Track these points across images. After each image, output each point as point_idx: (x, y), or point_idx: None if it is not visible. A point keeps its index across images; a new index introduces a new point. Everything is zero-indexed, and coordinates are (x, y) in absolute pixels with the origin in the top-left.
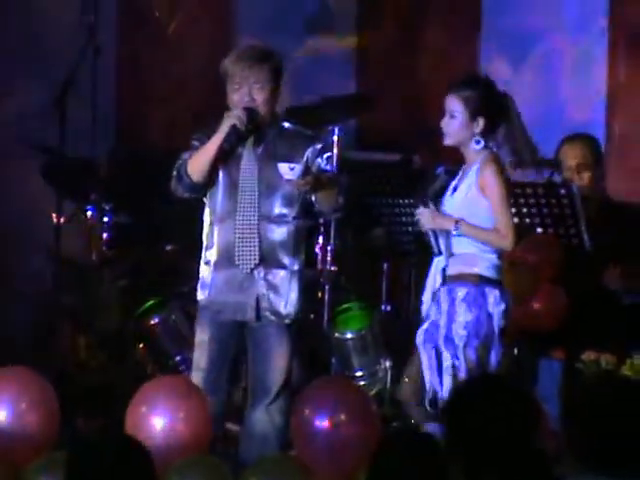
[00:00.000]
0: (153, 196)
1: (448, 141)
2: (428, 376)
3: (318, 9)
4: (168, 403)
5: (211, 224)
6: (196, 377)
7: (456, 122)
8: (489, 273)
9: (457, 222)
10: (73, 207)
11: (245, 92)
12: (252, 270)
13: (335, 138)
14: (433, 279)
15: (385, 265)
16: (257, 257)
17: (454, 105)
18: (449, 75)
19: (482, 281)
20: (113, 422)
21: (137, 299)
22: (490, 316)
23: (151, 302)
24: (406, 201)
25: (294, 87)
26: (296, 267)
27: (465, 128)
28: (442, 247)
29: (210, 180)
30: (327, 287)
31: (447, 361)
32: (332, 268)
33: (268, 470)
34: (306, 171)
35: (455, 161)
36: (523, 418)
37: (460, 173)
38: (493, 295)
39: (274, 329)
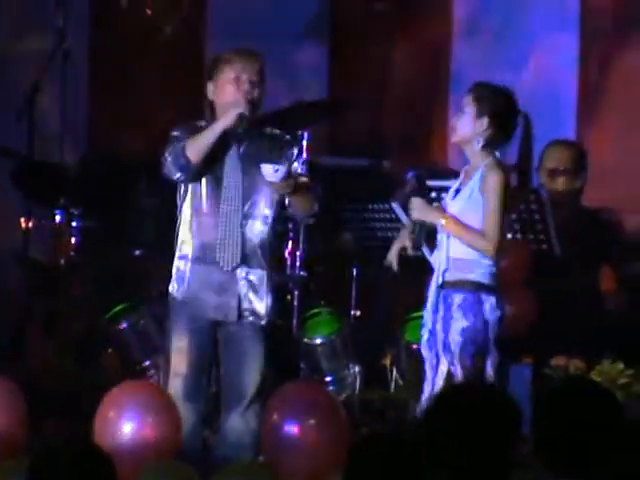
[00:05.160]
0: (122, 201)
1: (454, 137)
2: (429, 382)
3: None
4: (136, 408)
5: (191, 219)
6: (175, 383)
7: (463, 118)
8: (486, 280)
9: (446, 218)
10: (41, 211)
11: (244, 84)
12: (234, 269)
13: (304, 143)
14: (435, 282)
15: (354, 270)
16: (239, 256)
17: (465, 102)
18: (418, 81)
19: (479, 288)
20: (81, 427)
21: (106, 304)
22: (486, 323)
23: (120, 307)
24: (376, 206)
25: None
26: (270, 269)
27: (470, 125)
28: (423, 241)
29: (200, 169)
30: (296, 292)
31: (444, 366)
32: (301, 273)
33: (237, 476)
34: (290, 172)
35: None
36: (506, 425)
37: (462, 175)
38: (489, 302)
39: (250, 330)
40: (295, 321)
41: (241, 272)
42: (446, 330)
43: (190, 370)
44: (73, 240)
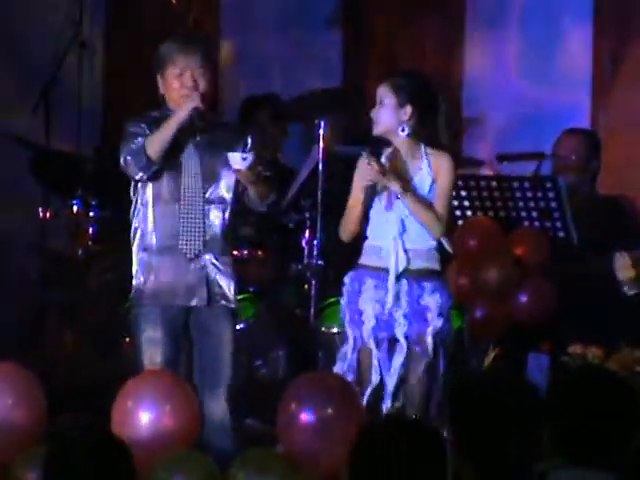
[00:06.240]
0: None
1: (377, 130)
2: (377, 370)
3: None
4: (154, 397)
5: (153, 209)
6: None
7: (384, 109)
8: (440, 269)
9: (407, 187)
10: (59, 202)
11: (189, 77)
12: (197, 255)
13: (321, 132)
14: (394, 272)
15: None
16: (201, 242)
17: (383, 93)
18: (436, 68)
19: (440, 276)
20: (100, 417)
21: (124, 293)
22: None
23: None
24: None
25: (284, 80)
26: (230, 254)
27: (393, 115)
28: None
29: (163, 162)
30: (313, 281)
31: (402, 352)
32: (318, 262)
33: (255, 465)
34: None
35: None
36: (530, 415)
37: (386, 161)
38: (448, 290)
39: (222, 313)
40: (312, 310)
41: (208, 257)
42: (415, 319)
43: (166, 361)
44: (91, 230)
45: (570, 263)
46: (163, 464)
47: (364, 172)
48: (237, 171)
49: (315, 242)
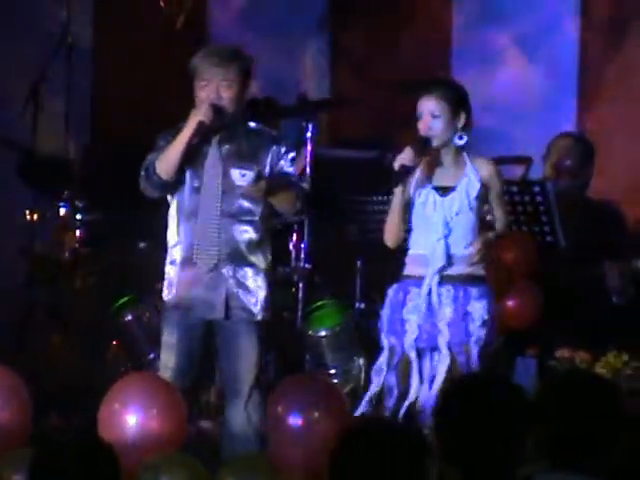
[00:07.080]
0: (126, 193)
1: (437, 142)
2: (416, 382)
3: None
4: (141, 400)
5: (177, 222)
6: (165, 377)
7: (440, 121)
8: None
9: (478, 244)
10: (46, 205)
11: (212, 89)
12: (212, 269)
13: (309, 135)
14: (431, 279)
15: (359, 262)
16: (216, 256)
17: (434, 105)
18: (420, 72)
19: (487, 282)
20: (87, 419)
21: (111, 296)
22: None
23: (125, 299)
24: (380, 198)
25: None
26: (263, 266)
27: (448, 126)
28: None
29: (178, 178)
30: (301, 285)
31: (445, 363)
32: (306, 265)
33: (243, 469)
34: (259, 175)
35: None
36: (517, 418)
37: (421, 169)
38: (493, 296)
39: (244, 326)
40: (300, 313)
41: (228, 271)
42: (458, 328)
43: (179, 366)
44: (78, 233)
45: (558, 267)
46: (149, 467)
47: (407, 153)
48: (241, 187)
49: (303, 245)
